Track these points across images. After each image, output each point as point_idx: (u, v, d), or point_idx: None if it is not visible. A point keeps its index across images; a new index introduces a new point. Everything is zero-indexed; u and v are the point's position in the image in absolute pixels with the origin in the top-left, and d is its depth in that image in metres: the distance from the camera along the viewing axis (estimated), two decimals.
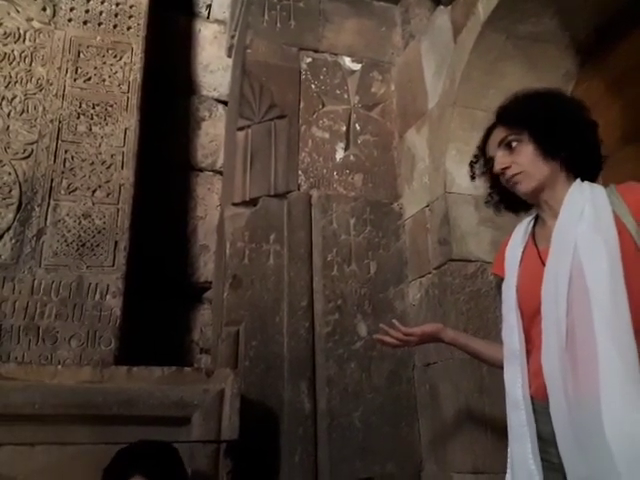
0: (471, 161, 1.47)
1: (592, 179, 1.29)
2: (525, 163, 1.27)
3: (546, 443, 1.16)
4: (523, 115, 1.29)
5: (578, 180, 1.26)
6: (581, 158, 1.28)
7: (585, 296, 1.11)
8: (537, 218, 1.36)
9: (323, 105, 2.59)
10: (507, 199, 1.42)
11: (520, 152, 1.28)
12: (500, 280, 1.40)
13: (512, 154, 1.28)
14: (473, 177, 1.48)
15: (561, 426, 1.11)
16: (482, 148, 1.40)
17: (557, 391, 1.12)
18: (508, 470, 1.25)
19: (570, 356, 1.11)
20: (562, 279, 1.15)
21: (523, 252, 1.32)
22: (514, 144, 1.28)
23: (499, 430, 1.87)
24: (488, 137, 1.37)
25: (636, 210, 1.17)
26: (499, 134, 1.32)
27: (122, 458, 1.53)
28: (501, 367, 1.35)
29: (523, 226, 1.38)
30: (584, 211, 1.19)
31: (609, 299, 1.09)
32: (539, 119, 1.27)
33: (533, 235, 1.34)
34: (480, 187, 1.58)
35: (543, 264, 1.23)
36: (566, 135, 1.26)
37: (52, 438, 1.71)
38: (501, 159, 1.29)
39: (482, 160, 1.42)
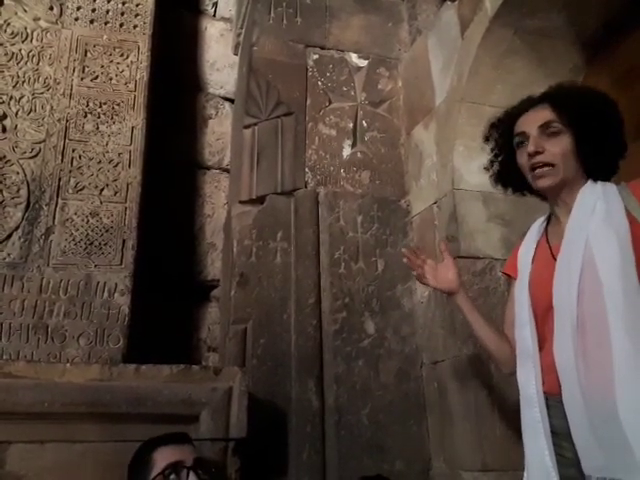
0: (493, 122, 1.45)
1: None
2: (559, 155, 1.26)
3: (559, 437, 1.16)
4: (579, 110, 1.27)
5: (590, 180, 1.27)
6: (605, 168, 1.30)
7: (597, 287, 1.12)
8: (550, 218, 1.37)
9: (330, 102, 2.58)
10: (506, 174, 1.42)
11: (558, 143, 1.27)
12: (510, 280, 1.41)
13: (549, 140, 1.27)
14: (487, 139, 1.47)
15: (575, 416, 1.11)
16: (513, 116, 1.38)
17: (570, 381, 1.12)
18: (525, 469, 1.25)
19: (581, 345, 1.12)
20: (574, 270, 1.16)
21: (535, 250, 1.32)
22: (555, 131, 1.27)
23: (508, 427, 1.87)
24: (526, 110, 1.34)
25: None
26: (544, 114, 1.30)
27: (163, 437, 1.53)
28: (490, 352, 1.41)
29: (536, 226, 1.39)
30: (596, 206, 1.20)
31: (621, 289, 1.10)
32: (592, 122, 1.26)
33: (546, 234, 1.34)
34: (489, 184, 1.57)
35: (555, 259, 1.23)
36: (606, 147, 1.27)
37: (61, 436, 1.71)
38: (538, 141, 1.28)
39: (504, 127, 1.41)
